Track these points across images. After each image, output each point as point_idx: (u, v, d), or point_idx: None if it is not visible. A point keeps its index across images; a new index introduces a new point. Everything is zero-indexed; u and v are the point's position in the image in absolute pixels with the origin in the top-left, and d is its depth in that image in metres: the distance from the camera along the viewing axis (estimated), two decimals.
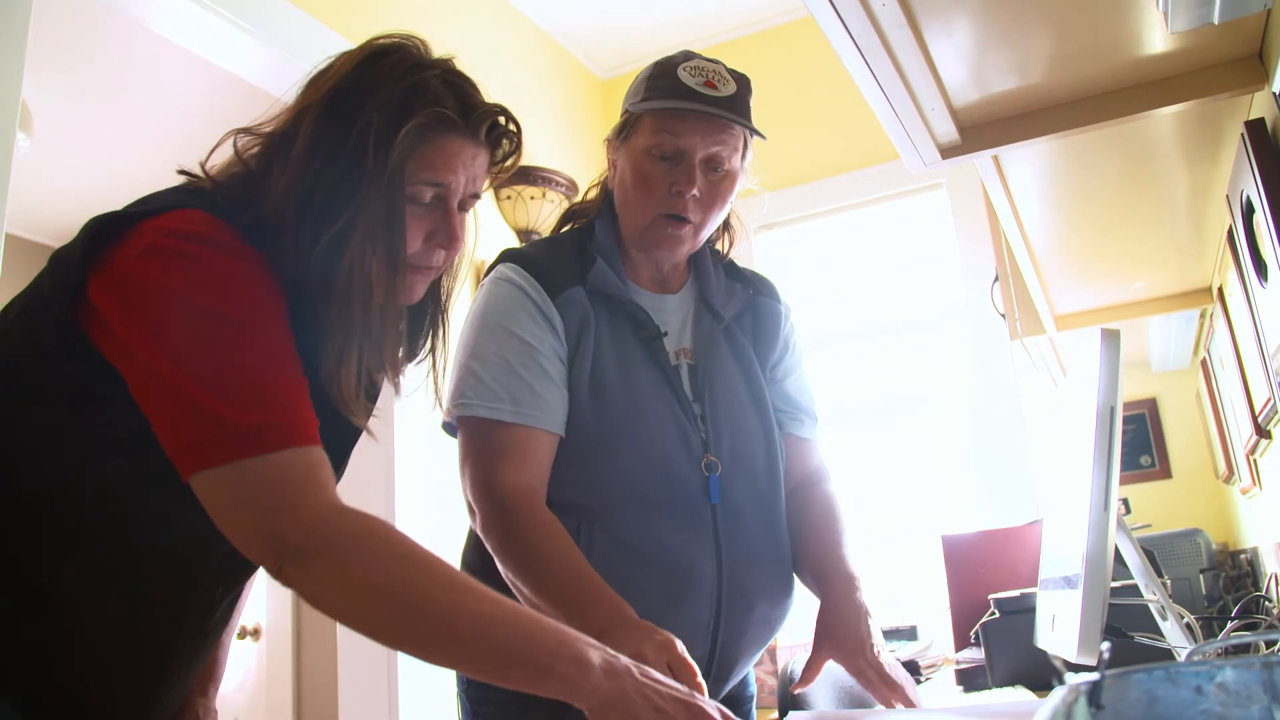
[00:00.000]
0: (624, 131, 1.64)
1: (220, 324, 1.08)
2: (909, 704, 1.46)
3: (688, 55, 1.62)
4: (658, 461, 1.53)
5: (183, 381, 1.05)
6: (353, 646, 3.15)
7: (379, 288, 1.18)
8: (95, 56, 3.61)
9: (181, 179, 1.25)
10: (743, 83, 1.61)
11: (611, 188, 1.70)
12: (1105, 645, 0.71)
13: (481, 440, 1.50)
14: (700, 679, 1.19)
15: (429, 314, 1.40)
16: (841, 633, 1.50)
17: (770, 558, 1.61)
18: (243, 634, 3.60)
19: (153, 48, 2.88)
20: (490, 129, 1.28)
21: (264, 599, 3.53)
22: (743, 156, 1.62)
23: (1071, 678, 0.65)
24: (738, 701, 1.69)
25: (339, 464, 1.34)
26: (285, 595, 3.48)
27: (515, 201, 3.79)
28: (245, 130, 1.24)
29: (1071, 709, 0.61)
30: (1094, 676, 0.68)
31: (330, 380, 1.18)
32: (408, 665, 3.06)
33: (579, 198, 1.82)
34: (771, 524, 1.63)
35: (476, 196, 1.29)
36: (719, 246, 1.81)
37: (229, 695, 3.62)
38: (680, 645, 1.23)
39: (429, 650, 1.05)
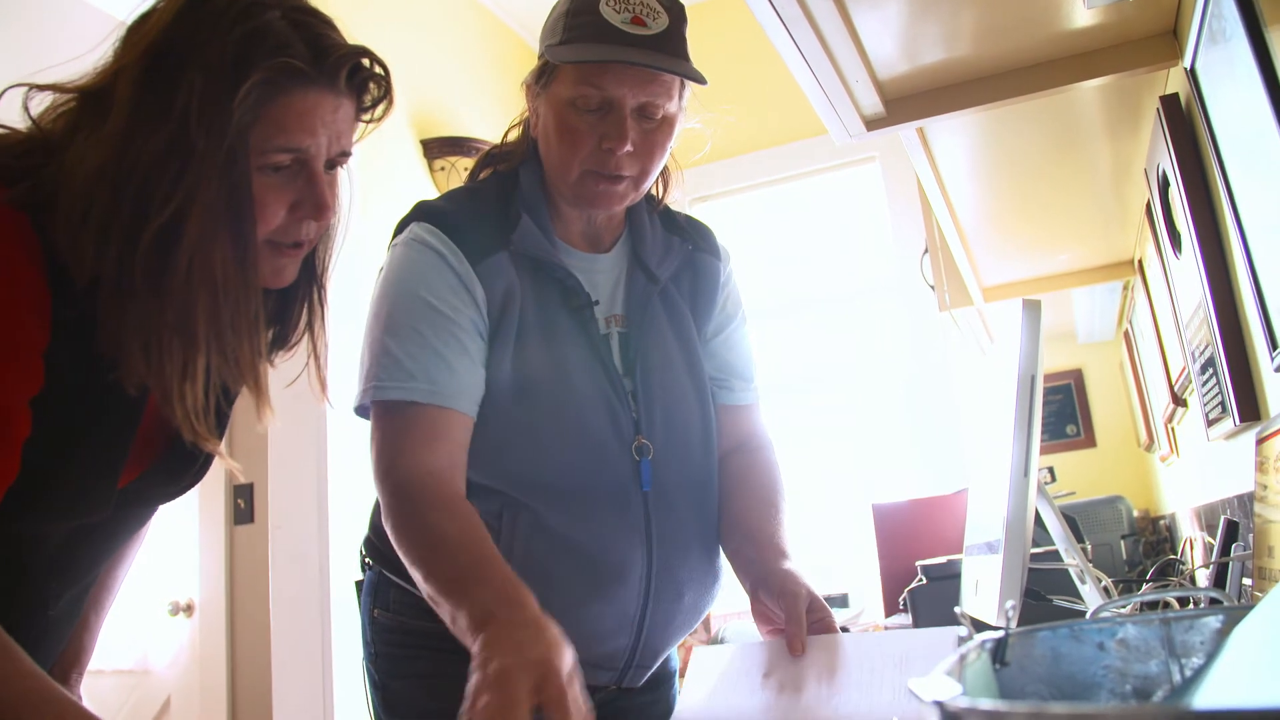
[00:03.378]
0: (543, 78, 1.45)
1: None
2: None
3: None
4: (585, 447, 1.40)
5: None
6: (286, 621, 3.13)
7: (227, 284, 1.00)
8: (18, 19, 3.52)
9: None
10: (675, 11, 1.40)
11: (534, 136, 1.50)
12: (1010, 604, 0.73)
13: (389, 421, 1.34)
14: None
15: (302, 292, 1.21)
16: (773, 594, 1.36)
17: (701, 543, 1.50)
18: (175, 610, 3.55)
19: (80, 14, 2.81)
20: (351, 74, 1.07)
21: (197, 574, 3.49)
22: (680, 96, 1.44)
23: (962, 630, 0.67)
24: (660, 680, 1.59)
25: (180, 482, 1.23)
26: (218, 571, 3.44)
27: (450, 173, 3.76)
28: (49, 86, 1.04)
29: (967, 665, 0.64)
30: (999, 633, 0.71)
31: (167, 398, 1.02)
32: (341, 641, 3.05)
33: (499, 139, 1.61)
34: (704, 508, 1.52)
35: (346, 154, 1.10)
36: (654, 192, 1.62)
37: (160, 672, 3.58)
38: (562, 670, 1.00)
39: None
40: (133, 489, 1.16)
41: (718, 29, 4.31)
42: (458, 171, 3.76)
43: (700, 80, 1.40)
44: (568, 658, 1.02)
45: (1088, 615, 1.35)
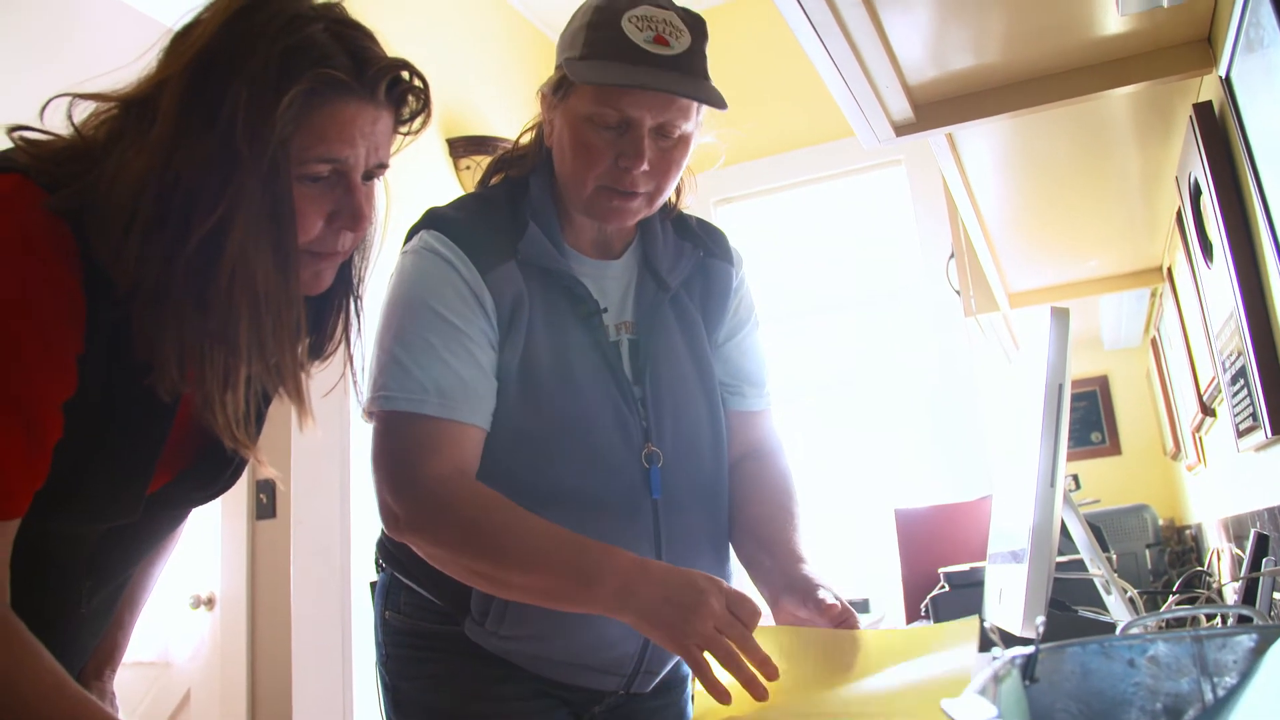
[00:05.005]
0: (560, 90, 1.43)
1: None
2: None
3: None
4: (594, 455, 1.41)
5: None
6: (307, 617, 3.14)
7: (269, 293, 1.01)
8: (41, 14, 3.54)
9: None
10: (697, 30, 1.39)
11: (548, 145, 1.49)
12: (1040, 619, 0.73)
13: (400, 433, 1.34)
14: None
15: (338, 302, 1.22)
16: (800, 608, 1.34)
17: (711, 550, 1.50)
18: (196, 603, 3.57)
19: (109, 10, 2.83)
20: (391, 86, 1.08)
21: (218, 568, 3.51)
22: (698, 114, 1.43)
23: (999, 650, 0.66)
24: (670, 684, 1.59)
25: (212, 487, 1.24)
26: (239, 565, 3.46)
27: (475, 172, 3.76)
28: (92, 96, 1.05)
29: (1001, 683, 0.63)
30: (1029, 649, 0.70)
31: (209, 406, 1.04)
32: (362, 637, 3.06)
33: (511, 143, 1.61)
34: (714, 514, 1.52)
35: (383, 166, 1.12)
36: (668, 200, 1.58)
37: (181, 664, 3.60)
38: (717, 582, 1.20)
39: None
40: (164, 493, 1.17)
41: (742, 31, 4.30)
42: (483, 171, 3.76)
43: (721, 105, 1.38)
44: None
45: (1117, 630, 1.34)
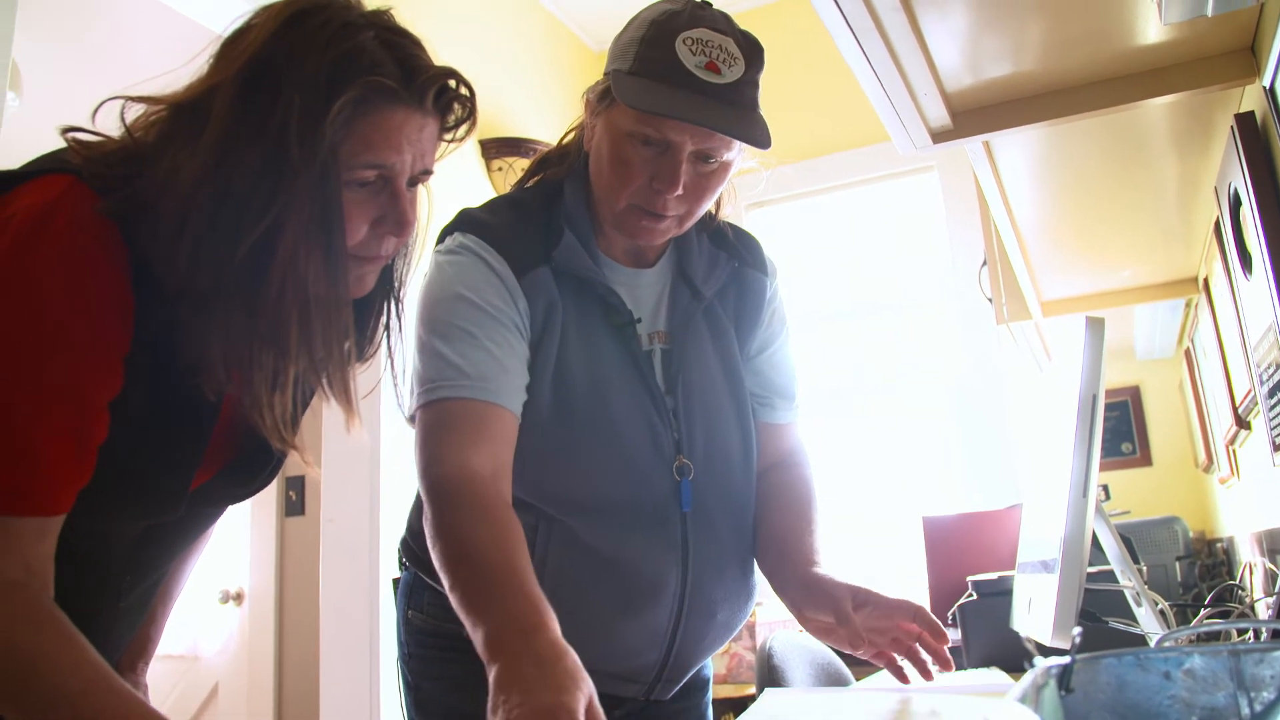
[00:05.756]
0: (605, 99, 1.40)
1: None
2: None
3: (695, 15, 1.35)
4: (625, 465, 1.39)
5: None
6: (335, 613, 3.16)
7: (318, 298, 1.02)
8: (89, 17, 3.58)
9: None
10: (753, 58, 1.35)
11: (587, 149, 1.46)
12: (1077, 630, 0.72)
13: (436, 417, 1.31)
14: None
15: (379, 306, 1.23)
16: (816, 604, 1.35)
17: (737, 562, 1.49)
18: (225, 598, 3.60)
19: (149, 10, 2.86)
20: (439, 94, 1.09)
21: (247, 563, 3.53)
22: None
23: (1041, 661, 0.66)
24: (691, 688, 1.59)
25: (250, 484, 1.26)
26: (268, 560, 3.49)
27: (508, 173, 3.78)
28: (143, 99, 1.06)
29: (1041, 692, 0.63)
30: (1064, 660, 0.70)
31: (256, 407, 1.06)
32: (389, 634, 3.07)
33: (556, 142, 1.59)
34: (741, 527, 1.50)
35: (428, 172, 1.12)
36: (709, 210, 1.55)
37: (209, 658, 3.63)
38: (576, 713, 0.95)
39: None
40: (204, 490, 1.18)
41: (776, 34, 4.29)
42: (515, 172, 3.78)
43: (763, 144, 1.34)
44: (581, 695, 0.97)
45: (1151, 642, 1.33)
